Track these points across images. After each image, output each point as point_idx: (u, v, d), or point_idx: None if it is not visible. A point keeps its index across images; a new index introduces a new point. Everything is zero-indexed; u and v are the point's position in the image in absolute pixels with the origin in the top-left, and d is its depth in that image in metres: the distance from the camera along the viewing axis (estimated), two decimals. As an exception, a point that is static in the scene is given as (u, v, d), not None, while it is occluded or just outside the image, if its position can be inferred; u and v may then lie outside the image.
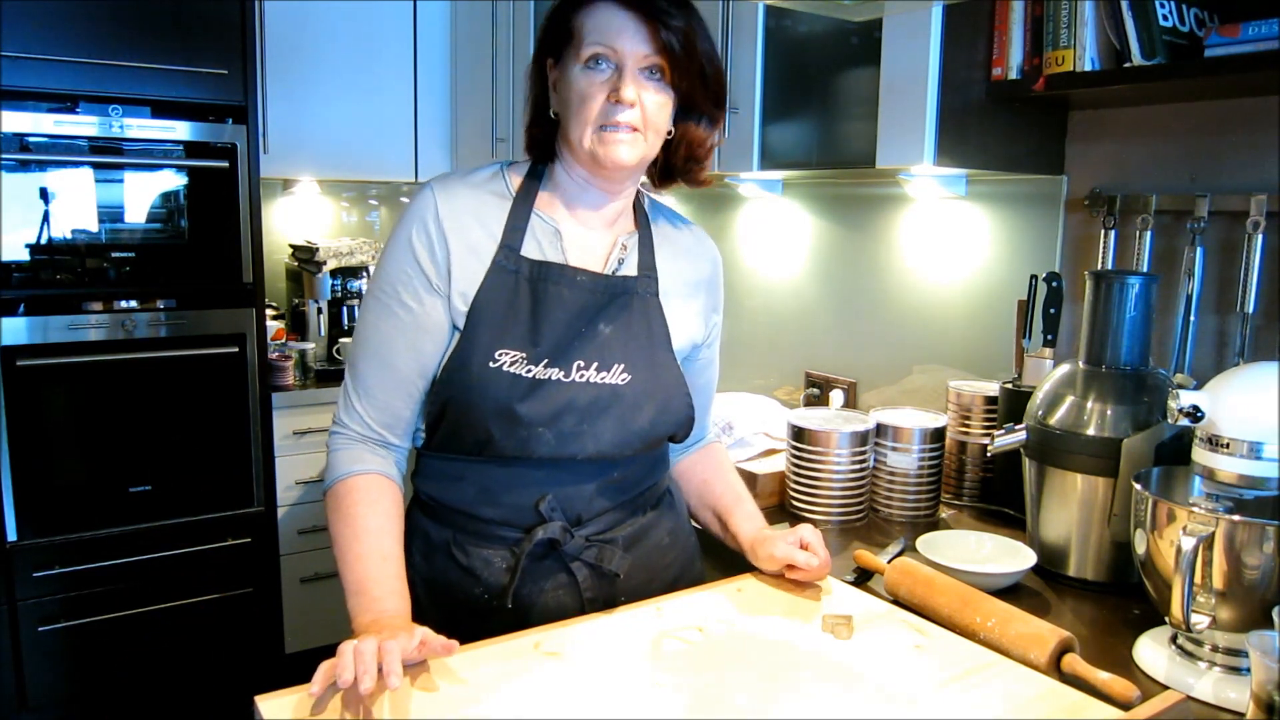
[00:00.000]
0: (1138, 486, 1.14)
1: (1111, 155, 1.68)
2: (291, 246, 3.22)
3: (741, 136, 1.96)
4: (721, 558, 1.39)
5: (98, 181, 2.45)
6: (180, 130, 2.50)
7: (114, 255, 2.48)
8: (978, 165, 1.65)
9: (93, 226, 2.46)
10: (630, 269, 1.21)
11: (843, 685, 0.97)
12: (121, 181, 2.48)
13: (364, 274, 3.09)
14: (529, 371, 1.11)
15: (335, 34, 2.99)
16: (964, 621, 1.14)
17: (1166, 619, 1.07)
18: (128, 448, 2.52)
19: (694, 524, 1.39)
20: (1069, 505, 1.36)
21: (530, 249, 1.15)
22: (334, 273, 3.05)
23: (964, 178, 1.89)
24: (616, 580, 1.19)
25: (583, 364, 1.13)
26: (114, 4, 2.37)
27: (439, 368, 1.14)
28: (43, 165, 2.38)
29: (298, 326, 3.06)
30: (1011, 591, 1.34)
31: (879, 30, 1.62)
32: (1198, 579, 1.04)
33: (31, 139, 2.34)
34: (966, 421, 1.73)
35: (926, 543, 1.41)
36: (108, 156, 2.44)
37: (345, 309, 3.06)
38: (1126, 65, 1.40)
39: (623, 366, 1.16)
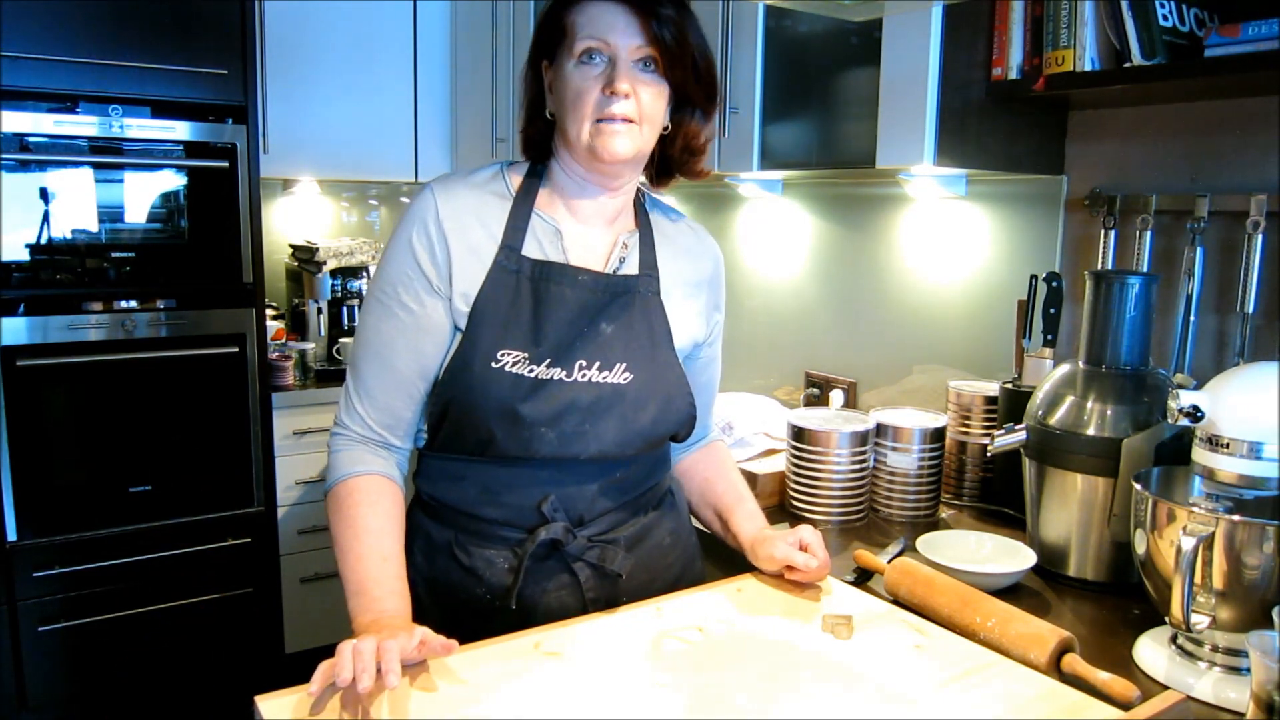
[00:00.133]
0: (1138, 486, 1.14)
1: (1111, 155, 1.68)
2: (291, 246, 3.22)
3: (741, 136, 1.96)
4: (722, 558, 1.39)
5: (98, 181, 2.45)
6: (180, 130, 2.49)
7: (114, 255, 2.48)
8: (978, 165, 1.65)
9: (93, 226, 2.46)
10: (631, 268, 1.21)
11: (843, 685, 0.97)
12: (121, 181, 2.48)
13: (364, 274, 3.09)
14: (531, 371, 1.11)
15: (335, 34, 3.00)
16: (964, 621, 1.14)
17: (1166, 619, 1.07)
18: (128, 448, 2.52)
19: (695, 523, 1.39)
20: (1069, 505, 1.36)
21: (531, 249, 1.15)
22: (334, 273, 3.05)
23: (964, 178, 1.89)
24: (619, 580, 1.19)
25: (585, 363, 1.13)
26: (114, 4, 2.37)
27: (441, 368, 1.14)
28: (43, 165, 2.38)
29: (298, 326, 3.06)
30: (1011, 591, 1.34)
31: (879, 30, 1.62)
32: (1198, 579, 1.04)
33: (31, 139, 2.34)
34: (966, 421, 1.73)
35: (926, 543, 1.41)
36: (108, 156, 2.44)
37: (345, 309, 3.06)
38: (1126, 65, 1.41)
39: (625, 366, 1.16)
